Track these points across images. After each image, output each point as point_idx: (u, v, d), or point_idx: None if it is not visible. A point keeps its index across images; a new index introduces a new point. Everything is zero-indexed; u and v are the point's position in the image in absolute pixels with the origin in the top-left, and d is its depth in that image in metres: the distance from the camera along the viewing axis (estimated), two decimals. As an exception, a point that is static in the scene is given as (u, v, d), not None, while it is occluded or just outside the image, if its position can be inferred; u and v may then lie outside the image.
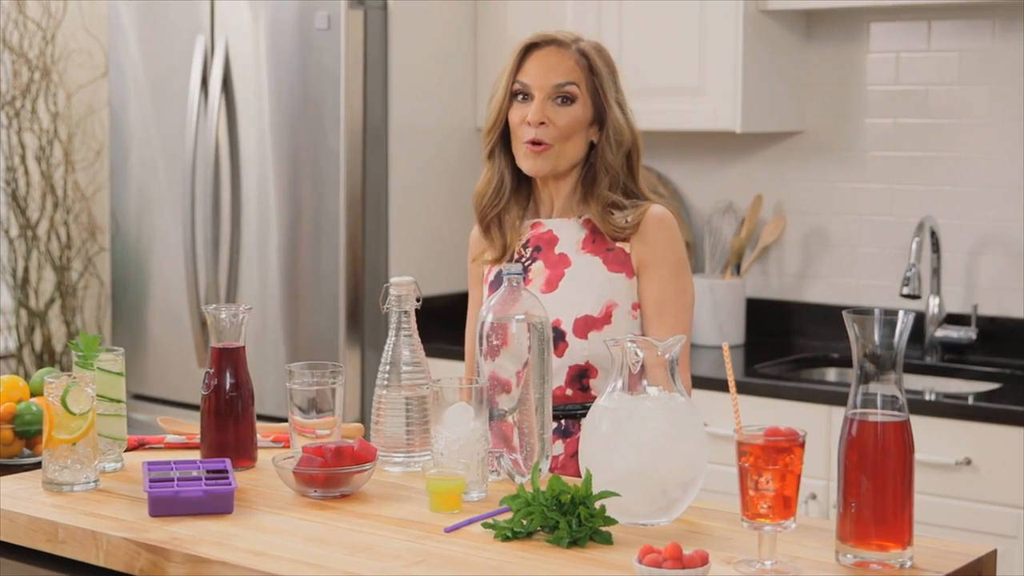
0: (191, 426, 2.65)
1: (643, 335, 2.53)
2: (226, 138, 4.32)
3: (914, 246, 3.83)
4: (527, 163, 2.58)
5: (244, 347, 2.41)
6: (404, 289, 2.41)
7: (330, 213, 4.13)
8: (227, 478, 2.18)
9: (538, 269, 2.61)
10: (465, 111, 4.43)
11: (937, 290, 3.94)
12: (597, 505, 1.98)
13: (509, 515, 2.05)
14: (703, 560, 1.76)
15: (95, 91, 4.96)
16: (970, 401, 3.51)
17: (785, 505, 1.84)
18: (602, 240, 2.59)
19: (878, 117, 4.10)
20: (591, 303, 2.55)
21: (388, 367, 2.40)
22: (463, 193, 4.43)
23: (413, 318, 2.42)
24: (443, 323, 3.92)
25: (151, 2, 4.49)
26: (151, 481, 2.15)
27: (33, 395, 2.64)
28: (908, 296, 3.79)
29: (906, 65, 4.05)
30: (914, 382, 3.87)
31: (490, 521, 2.02)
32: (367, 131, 4.17)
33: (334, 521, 2.08)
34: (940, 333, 3.94)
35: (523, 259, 2.62)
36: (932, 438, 3.38)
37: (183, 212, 4.38)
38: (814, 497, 3.54)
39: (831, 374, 4.04)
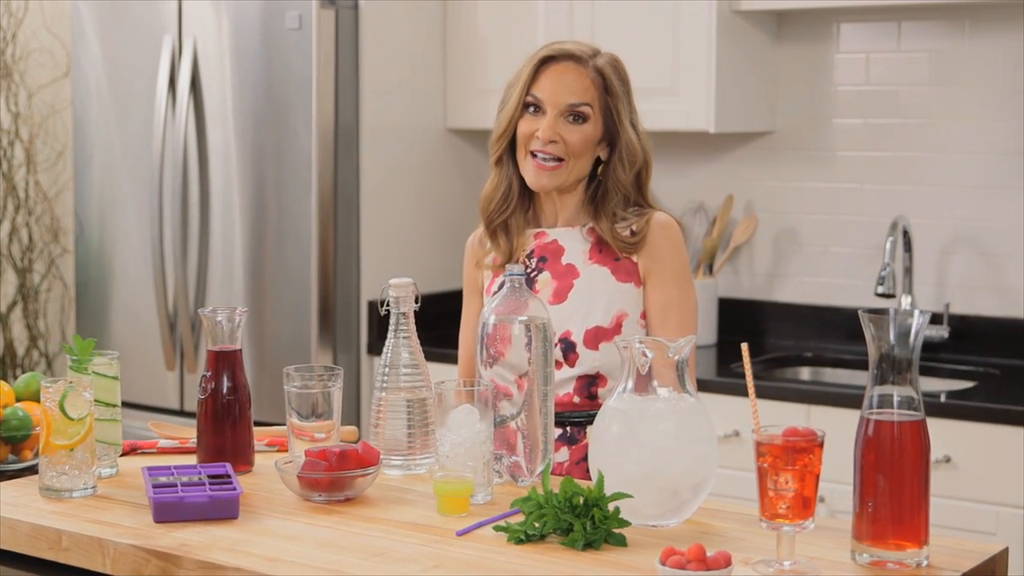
0: (183, 430, 2.62)
1: None
2: (194, 139, 4.27)
3: (888, 245, 3.86)
4: (533, 177, 2.55)
5: (241, 350, 2.39)
6: (403, 290, 2.39)
7: (301, 214, 4.10)
8: (231, 483, 2.15)
9: (545, 280, 2.58)
10: (435, 111, 4.41)
11: (909, 289, 3.97)
12: (611, 507, 1.97)
13: (519, 517, 2.04)
14: (726, 561, 1.76)
15: (57, 91, 4.91)
16: (943, 399, 3.54)
17: (804, 505, 1.84)
18: (609, 249, 2.57)
19: (848, 117, 4.12)
20: (601, 314, 2.53)
21: (387, 369, 2.38)
22: (434, 193, 4.42)
23: (412, 320, 2.40)
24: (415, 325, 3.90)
25: (114, 1, 4.43)
26: (154, 487, 2.12)
27: (18, 400, 2.60)
28: (883, 295, 3.81)
29: (876, 65, 4.08)
30: (887, 381, 3.89)
31: (502, 524, 2.00)
32: (338, 131, 4.14)
33: (342, 526, 2.06)
34: (912, 332, 3.96)
35: (528, 269, 2.59)
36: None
37: (150, 214, 4.34)
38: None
39: (804, 373, 4.06)
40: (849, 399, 3.52)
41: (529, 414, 2.26)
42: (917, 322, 1.87)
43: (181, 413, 4.32)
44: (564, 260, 2.58)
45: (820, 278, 4.19)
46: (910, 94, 4.03)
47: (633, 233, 2.56)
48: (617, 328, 2.52)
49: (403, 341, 2.39)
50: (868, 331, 1.88)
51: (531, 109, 2.55)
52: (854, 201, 4.12)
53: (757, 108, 4.16)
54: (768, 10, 4.04)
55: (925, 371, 3.90)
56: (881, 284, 3.82)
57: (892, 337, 1.87)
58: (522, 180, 2.60)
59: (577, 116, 2.54)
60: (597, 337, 2.51)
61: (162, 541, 1.98)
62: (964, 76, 3.95)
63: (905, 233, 3.94)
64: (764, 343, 4.22)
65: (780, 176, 4.23)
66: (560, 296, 2.55)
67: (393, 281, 2.39)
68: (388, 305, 2.40)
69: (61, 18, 4.83)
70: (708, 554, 1.76)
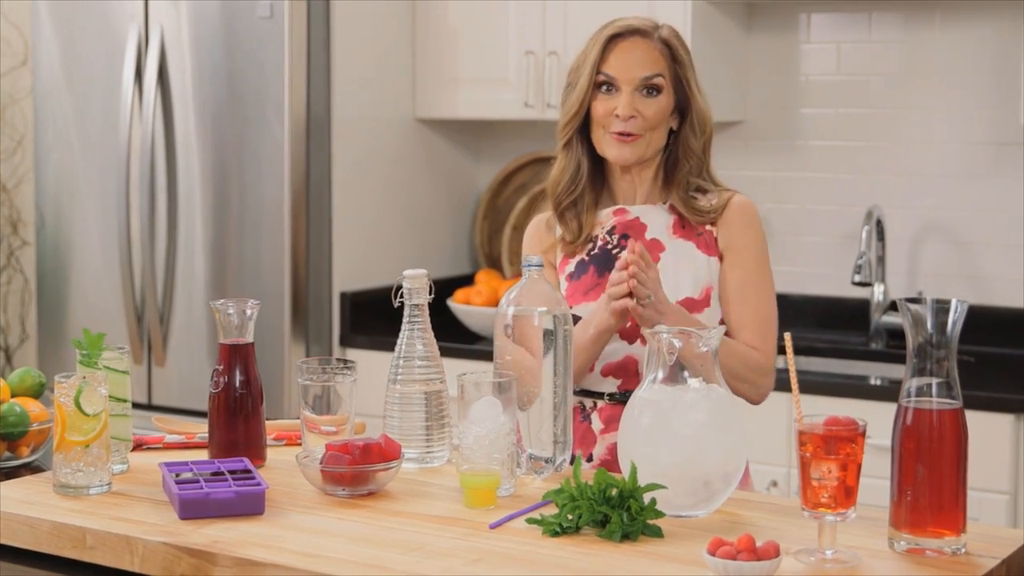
0: (188, 425, 2.58)
1: (723, 321, 2.53)
2: (162, 130, 4.21)
3: (864, 234, 3.89)
4: (614, 152, 2.55)
5: (253, 343, 2.35)
6: (417, 282, 2.36)
7: (274, 205, 4.05)
8: (253, 478, 2.12)
9: None
10: (404, 102, 4.38)
11: (882, 278, 4.00)
12: (646, 498, 1.97)
13: (551, 509, 2.03)
14: (776, 551, 1.76)
15: (15, 80, 4.82)
16: (919, 386, 3.56)
17: (847, 495, 1.84)
18: (691, 225, 2.58)
19: (819, 107, 4.15)
20: (690, 286, 2.53)
21: (401, 361, 2.35)
22: (404, 184, 4.39)
23: (426, 311, 2.38)
24: (387, 317, 3.87)
25: (75, -10, 4.37)
26: (177, 483, 2.08)
27: (14, 396, 2.56)
28: (859, 284, 3.84)
29: (846, 55, 4.10)
30: (860, 368, 3.92)
31: (536, 516, 1.99)
32: (310, 121, 4.10)
33: (371, 520, 2.04)
34: (885, 319, 4.00)
35: (608, 245, 2.58)
36: (880, 423, 3.41)
37: (116, 205, 4.27)
38: (775, 484, 3.57)
39: (779, 361, 4.06)
40: (829, 387, 3.55)
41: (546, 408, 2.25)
42: (955, 311, 1.88)
43: (149, 408, 4.26)
44: (648, 236, 2.58)
45: (792, 267, 4.21)
46: (880, 84, 4.06)
47: (709, 210, 2.58)
48: (706, 300, 2.53)
49: (417, 333, 2.36)
50: (906, 320, 1.89)
51: (604, 88, 2.56)
52: (824, 190, 4.15)
53: (728, 98, 4.17)
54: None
55: (898, 358, 3.93)
56: (858, 272, 3.85)
57: (930, 326, 1.88)
58: (592, 159, 2.60)
59: (651, 89, 2.55)
60: (690, 309, 2.51)
61: (192, 538, 1.94)
62: (934, 66, 3.98)
63: (878, 222, 3.97)
64: (736, 332, 4.23)
65: (750, 165, 4.25)
66: None
67: (407, 273, 2.37)
68: (401, 297, 2.37)
69: (19, 6, 4.74)
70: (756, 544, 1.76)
